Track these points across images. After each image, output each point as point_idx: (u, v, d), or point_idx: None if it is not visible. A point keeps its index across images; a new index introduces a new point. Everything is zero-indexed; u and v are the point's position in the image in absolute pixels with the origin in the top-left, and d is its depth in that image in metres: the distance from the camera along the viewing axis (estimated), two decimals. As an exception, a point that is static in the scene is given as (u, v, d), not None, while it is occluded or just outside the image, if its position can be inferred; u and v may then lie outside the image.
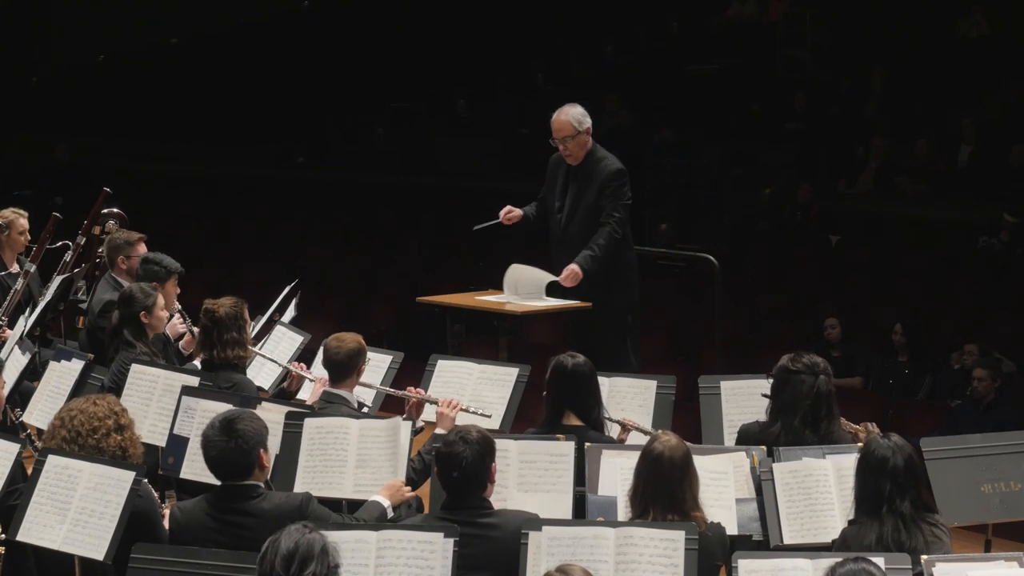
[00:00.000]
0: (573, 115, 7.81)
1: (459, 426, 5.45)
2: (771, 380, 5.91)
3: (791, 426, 5.72)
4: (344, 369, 6.25)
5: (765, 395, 5.99)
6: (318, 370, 6.95)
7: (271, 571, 3.98)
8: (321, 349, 7.20)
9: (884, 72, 15.22)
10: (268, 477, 5.33)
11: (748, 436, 5.88)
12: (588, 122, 7.86)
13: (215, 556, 4.78)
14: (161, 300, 7.14)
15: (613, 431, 6.17)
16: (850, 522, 5.02)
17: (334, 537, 4.17)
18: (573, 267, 7.73)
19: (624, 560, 4.72)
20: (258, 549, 4.09)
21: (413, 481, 5.86)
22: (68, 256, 8.61)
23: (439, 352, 7.00)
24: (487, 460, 5.01)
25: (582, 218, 7.91)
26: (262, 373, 7.37)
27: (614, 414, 6.24)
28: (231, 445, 4.97)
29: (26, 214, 8.75)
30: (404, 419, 5.98)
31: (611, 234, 7.81)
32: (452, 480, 4.97)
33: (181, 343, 7.65)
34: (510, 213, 8.09)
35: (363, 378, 6.40)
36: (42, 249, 8.58)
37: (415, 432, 5.86)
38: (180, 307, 7.76)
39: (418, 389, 6.47)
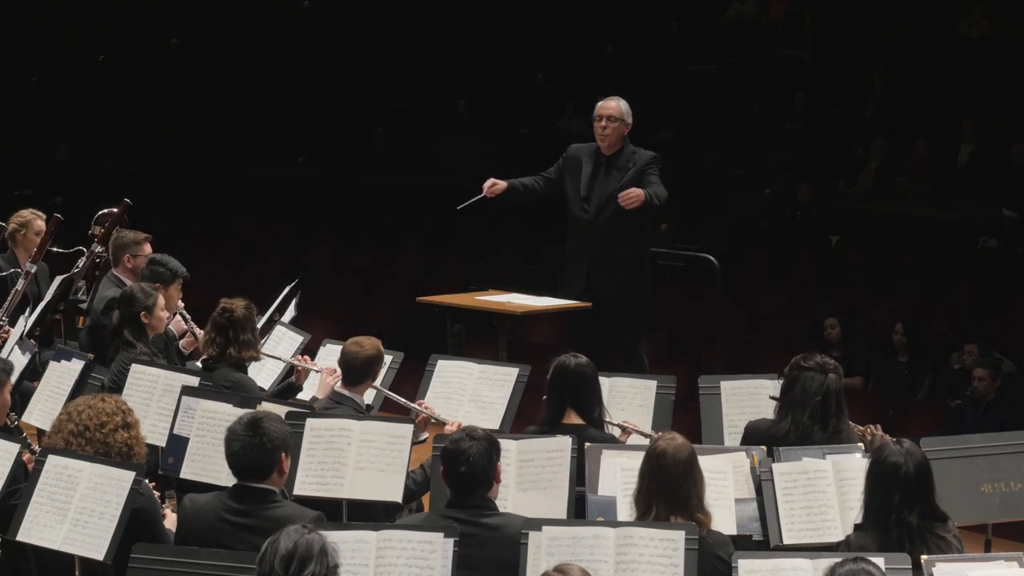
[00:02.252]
0: (623, 104, 8.18)
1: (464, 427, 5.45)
2: (781, 380, 5.92)
3: (800, 422, 5.72)
4: (360, 374, 6.29)
5: (773, 397, 6.00)
6: (323, 361, 6.99)
7: (270, 572, 3.97)
8: (321, 349, 7.25)
9: (884, 72, 15.21)
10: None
11: (755, 433, 5.88)
12: (631, 120, 8.19)
13: (215, 556, 4.77)
14: (162, 300, 7.15)
15: (613, 434, 6.18)
16: (856, 527, 5.01)
17: (334, 537, 4.16)
18: (640, 191, 7.84)
19: (624, 560, 4.72)
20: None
21: (412, 492, 5.86)
22: (81, 261, 8.59)
23: (439, 352, 7.01)
24: (493, 457, 5.01)
25: (617, 206, 7.96)
26: (262, 373, 7.37)
27: (614, 414, 6.26)
28: (255, 441, 4.95)
29: (44, 216, 8.74)
30: (408, 420, 5.99)
31: (663, 191, 7.96)
32: (459, 476, 4.97)
33: (182, 343, 7.66)
34: (494, 186, 8.20)
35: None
36: (43, 249, 8.57)
37: (416, 443, 5.86)
38: (183, 306, 7.77)
39: (428, 405, 6.47)
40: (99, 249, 8.59)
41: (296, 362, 7.12)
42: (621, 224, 8.02)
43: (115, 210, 8.80)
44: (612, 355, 7.68)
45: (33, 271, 8.47)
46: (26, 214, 8.72)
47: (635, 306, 8.13)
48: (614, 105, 8.13)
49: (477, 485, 4.97)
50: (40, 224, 8.68)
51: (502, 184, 8.22)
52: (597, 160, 8.16)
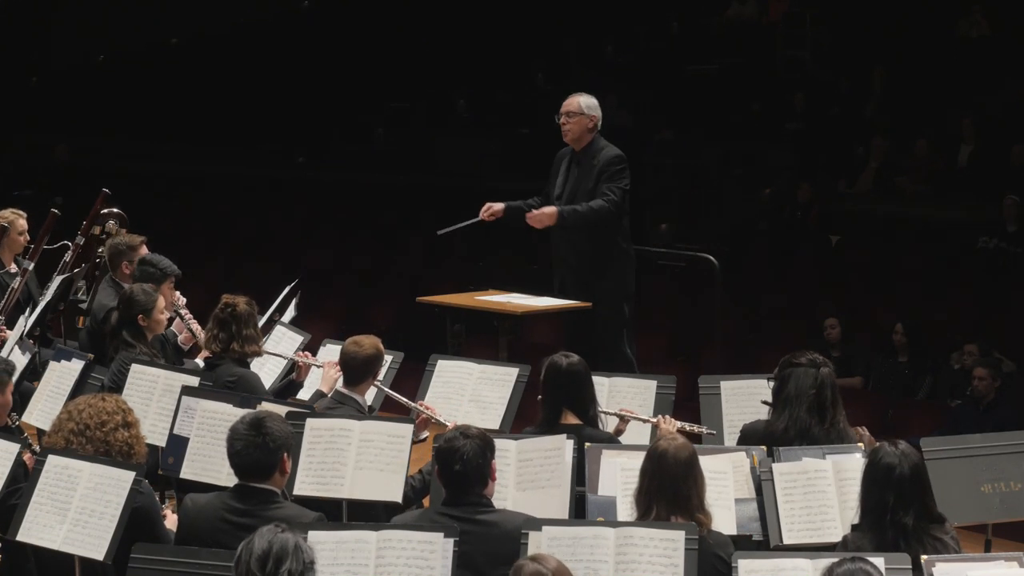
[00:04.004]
0: (584, 99, 8.08)
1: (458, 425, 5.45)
2: (772, 382, 5.91)
3: (798, 417, 5.71)
4: (359, 373, 6.29)
5: (766, 402, 5.99)
6: (323, 355, 7.00)
7: (247, 572, 3.99)
8: (321, 349, 7.25)
9: (884, 72, 15.22)
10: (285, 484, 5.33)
11: (752, 434, 5.87)
12: (595, 113, 8.08)
13: (215, 556, 4.77)
14: (161, 302, 7.15)
15: (610, 425, 6.18)
16: (854, 527, 5.01)
17: (334, 537, 4.16)
18: (552, 209, 7.87)
19: (624, 560, 4.72)
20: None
21: (409, 499, 5.86)
22: (68, 256, 8.62)
23: (439, 352, 7.01)
24: (488, 455, 5.01)
25: (579, 202, 7.96)
26: (263, 371, 7.37)
27: (612, 410, 6.26)
28: (258, 440, 4.96)
29: (25, 215, 8.77)
30: (408, 420, 5.99)
31: (602, 204, 7.90)
32: (454, 474, 4.97)
33: (180, 338, 7.67)
34: (490, 210, 8.12)
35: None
36: (40, 247, 8.59)
37: (416, 441, 5.86)
38: (184, 302, 7.77)
39: (429, 405, 6.46)
40: (81, 241, 8.61)
41: (297, 358, 7.12)
42: None
43: (114, 209, 8.82)
44: (597, 354, 7.65)
45: (30, 268, 8.49)
46: (7, 214, 8.73)
47: (610, 303, 8.01)
48: (573, 100, 8.06)
49: (472, 483, 4.97)
50: (22, 223, 8.69)
51: (498, 206, 8.11)
52: (572, 158, 8.16)
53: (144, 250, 8.02)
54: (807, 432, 5.69)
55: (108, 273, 8.07)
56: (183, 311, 7.73)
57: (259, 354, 6.98)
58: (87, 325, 8.09)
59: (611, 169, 7.98)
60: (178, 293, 7.79)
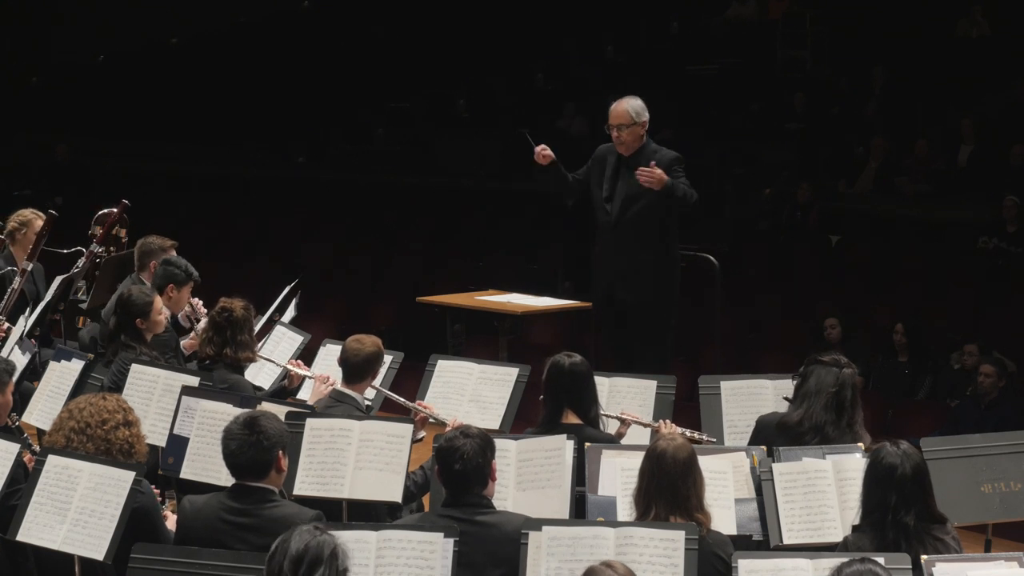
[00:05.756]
0: (632, 105, 7.89)
1: (459, 425, 5.46)
2: (796, 379, 5.93)
3: (814, 412, 5.72)
4: (359, 371, 6.28)
5: (787, 398, 6.00)
6: (317, 368, 6.98)
7: (279, 572, 3.97)
8: (321, 349, 7.24)
9: (884, 72, 15.22)
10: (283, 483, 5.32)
11: (768, 426, 5.88)
12: (646, 116, 7.92)
13: (215, 556, 4.77)
14: (159, 303, 7.11)
15: (611, 427, 6.19)
16: (855, 527, 5.02)
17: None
18: (663, 172, 7.70)
19: (624, 560, 4.70)
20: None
21: (412, 494, 5.86)
22: (81, 262, 8.58)
23: (439, 352, 7.01)
24: (488, 454, 5.01)
25: (639, 208, 7.86)
26: (261, 374, 7.37)
27: (613, 412, 6.27)
28: (253, 439, 4.95)
29: (44, 216, 8.75)
30: (407, 420, 5.99)
31: (694, 192, 7.85)
32: (453, 474, 4.97)
33: (184, 343, 7.65)
34: (545, 151, 7.96)
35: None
36: (39, 247, 8.58)
37: (413, 441, 5.87)
38: (204, 313, 7.72)
39: (427, 404, 6.46)
40: (99, 249, 8.59)
41: (290, 367, 7.08)
42: (642, 226, 7.87)
43: (114, 210, 8.81)
44: (635, 359, 7.61)
45: (30, 268, 8.48)
46: (27, 214, 8.75)
47: (660, 311, 7.92)
48: (623, 111, 7.86)
49: (472, 483, 4.97)
50: (40, 224, 8.70)
51: (552, 156, 7.95)
52: (619, 160, 7.96)
53: (174, 255, 8.00)
54: (821, 428, 5.70)
55: (110, 269, 8.04)
56: (197, 319, 7.68)
57: (252, 360, 6.96)
58: (88, 325, 8.08)
59: (676, 168, 7.90)
60: (200, 302, 7.75)
